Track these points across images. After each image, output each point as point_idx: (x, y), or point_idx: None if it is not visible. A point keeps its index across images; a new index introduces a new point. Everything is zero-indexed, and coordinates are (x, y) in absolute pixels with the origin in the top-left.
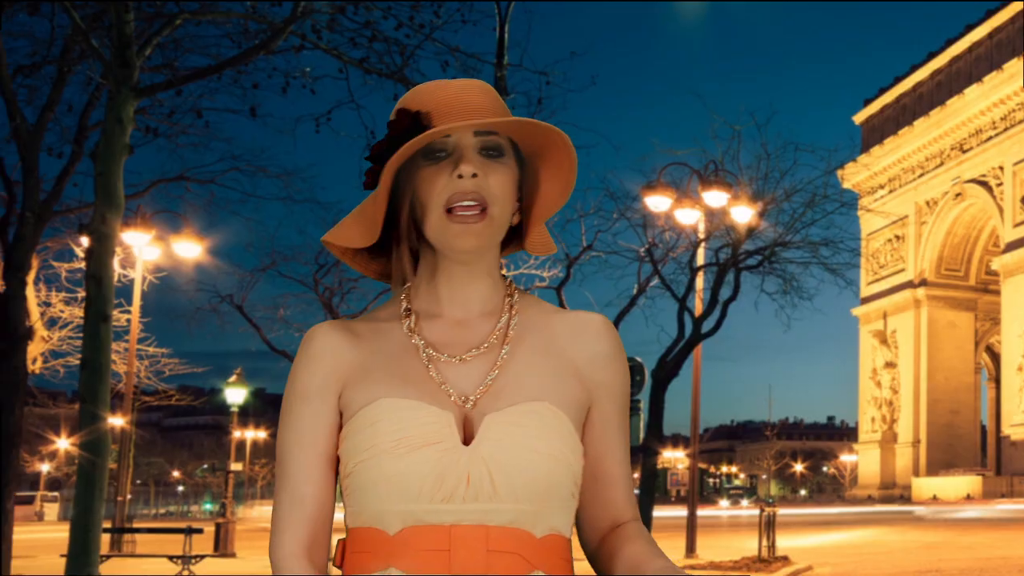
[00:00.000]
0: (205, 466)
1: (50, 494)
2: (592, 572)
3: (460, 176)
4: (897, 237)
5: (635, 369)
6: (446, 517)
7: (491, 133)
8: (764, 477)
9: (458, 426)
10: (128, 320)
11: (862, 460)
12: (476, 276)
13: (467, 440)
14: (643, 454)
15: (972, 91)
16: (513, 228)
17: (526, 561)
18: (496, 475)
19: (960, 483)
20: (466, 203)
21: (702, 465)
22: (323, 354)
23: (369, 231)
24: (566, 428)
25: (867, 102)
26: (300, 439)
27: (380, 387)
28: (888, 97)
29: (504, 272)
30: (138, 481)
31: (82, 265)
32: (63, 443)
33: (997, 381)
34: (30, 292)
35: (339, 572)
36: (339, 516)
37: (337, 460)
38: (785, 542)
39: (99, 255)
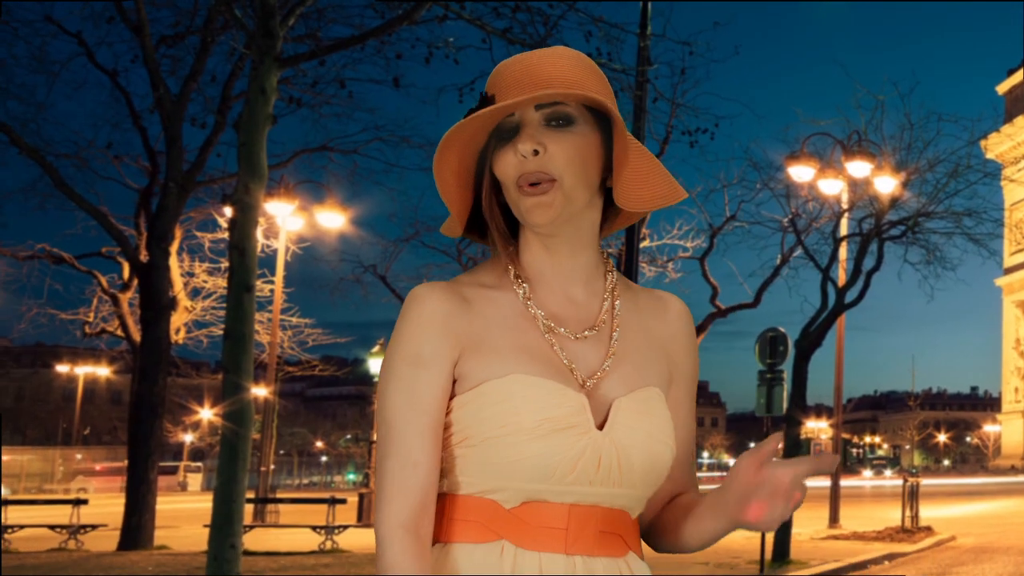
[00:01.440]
0: (348, 436)
1: (193, 464)
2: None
3: (524, 156)
4: None
5: (778, 339)
6: (567, 497)
7: (556, 103)
8: (907, 447)
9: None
10: (271, 290)
11: (1005, 430)
12: (576, 246)
13: (598, 424)
14: (786, 424)
15: None
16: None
17: (624, 543)
18: (624, 462)
19: None
20: (532, 182)
21: (845, 435)
22: (436, 318)
23: (454, 224)
24: (668, 413)
25: (1010, 72)
26: (414, 405)
27: (508, 360)
28: None
29: (611, 253)
30: (281, 451)
31: (225, 235)
32: (206, 413)
33: None
34: (173, 262)
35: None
36: None
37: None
38: (928, 512)
39: (242, 225)
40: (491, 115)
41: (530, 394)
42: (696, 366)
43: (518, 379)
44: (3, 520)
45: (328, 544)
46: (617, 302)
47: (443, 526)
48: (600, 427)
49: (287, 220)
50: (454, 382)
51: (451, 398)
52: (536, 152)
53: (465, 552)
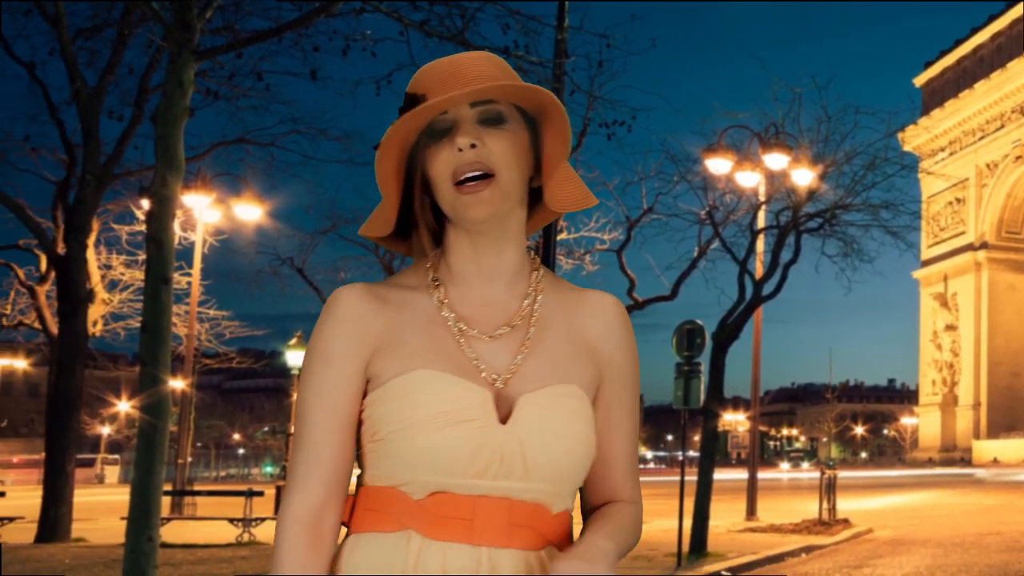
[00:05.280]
0: (266, 429)
1: (111, 457)
2: None
3: (460, 149)
4: (958, 200)
5: (695, 332)
6: (474, 490)
7: (489, 102)
8: (825, 440)
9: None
10: (189, 283)
11: (923, 423)
12: (503, 245)
13: (502, 419)
14: (703, 417)
15: None
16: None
17: (542, 536)
18: (528, 456)
19: (1021, 445)
20: (471, 174)
21: (763, 428)
22: (351, 318)
23: (386, 222)
24: (589, 411)
25: (927, 65)
26: (322, 402)
27: (415, 358)
28: (948, 60)
29: (529, 245)
30: (199, 444)
31: (142, 228)
32: (124, 406)
33: None
34: (91, 255)
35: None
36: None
37: (358, 424)
38: (845, 505)
39: (159, 218)
40: (423, 114)
41: (430, 388)
42: (634, 366)
43: (420, 375)
44: None
45: (245, 536)
46: (539, 299)
47: (357, 517)
48: (504, 422)
49: (204, 212)
50: (368, 381)
51: (365, 396)
52: (474, 146)
53: (373, 540)
